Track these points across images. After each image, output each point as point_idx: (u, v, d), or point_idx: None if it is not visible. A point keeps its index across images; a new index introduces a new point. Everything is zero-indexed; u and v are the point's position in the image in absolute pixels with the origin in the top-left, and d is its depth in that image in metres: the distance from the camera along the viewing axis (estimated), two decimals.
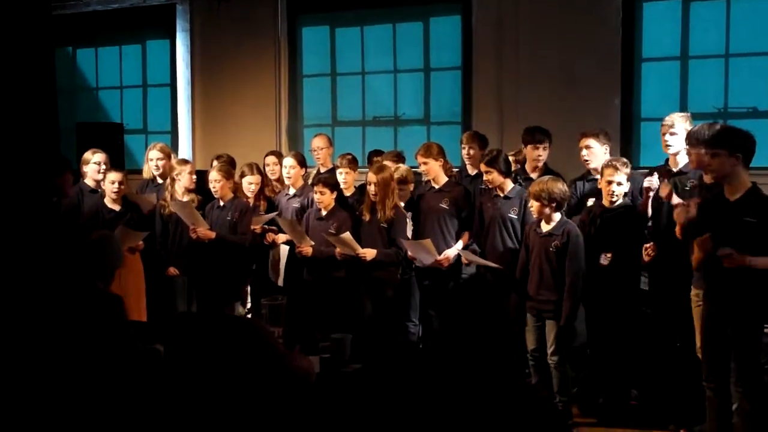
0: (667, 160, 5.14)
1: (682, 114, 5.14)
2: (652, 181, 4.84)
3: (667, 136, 4.99)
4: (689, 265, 4.38)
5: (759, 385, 4.00)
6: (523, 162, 5.97)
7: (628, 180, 4.94)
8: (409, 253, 5.56)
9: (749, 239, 3.88)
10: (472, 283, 5.59)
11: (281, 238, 6.12)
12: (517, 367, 5.34)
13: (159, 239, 6.09)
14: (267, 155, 6.76)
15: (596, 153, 5.36)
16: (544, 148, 5.77)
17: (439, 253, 5.53)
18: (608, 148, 5.43)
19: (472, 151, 6.14)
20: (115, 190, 5.87)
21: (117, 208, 5.91)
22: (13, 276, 4.66)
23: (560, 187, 4.89)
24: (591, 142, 5.37)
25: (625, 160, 5.03)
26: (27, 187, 5.36)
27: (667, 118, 5.08)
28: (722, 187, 4.06)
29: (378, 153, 6.71)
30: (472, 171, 6.18)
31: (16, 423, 3.36)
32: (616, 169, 4.90)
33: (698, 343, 4.37)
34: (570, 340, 4.97)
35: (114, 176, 5.89)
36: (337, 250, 5.57)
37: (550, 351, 4.93)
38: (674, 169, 4.99)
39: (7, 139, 5.29)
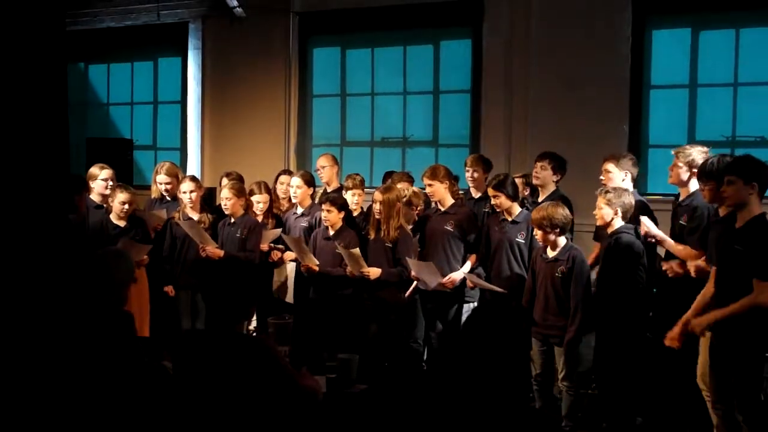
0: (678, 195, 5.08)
1: (703, 149, 4.87)
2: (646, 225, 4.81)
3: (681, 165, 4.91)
4: (692, 292, 4.37)
5: (760, 413, 3.98)
6: (534, 185, 5.95)
7: (612, 204, 4.78)
8: (413, 273, 5.54)
9: (738, 267, 3.89)
10: (482, 308, 5.58)
11: (289, 256, 6.13)
12: (522, 391, 5.32)
13: (165, 254, 6.08)
14: (280, 174, 6.81)
15: (613, 178, 5.22)
16: (542, 167, 5.74)
17: (444, 276, 5.50)
18: (629, 175, 5.25)
19: (476, 174, 6.14)
20: (125, 210, 5.85)
21: (122, 224, 5.89)
22: (25, 290, 4.66)
23: (561, 212, 4.85)
24: (610, 166, 5.26)
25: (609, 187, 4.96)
26: (45, 204, 5.39)
27: (689, 150, 4.88)
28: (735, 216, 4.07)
29: (392, 174, 6.72)
30: (476, 194, 6.19)
31: None
32: (599, 195, 4.86)
33: (698, 371, 4.37)
34: (576, 364, 4.95)
35: (123, 197, 5.83)
36: (348, 269, 5.57)
37: (561, 376, 4.90)
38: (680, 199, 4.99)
39: (18, 153, 5.31)
